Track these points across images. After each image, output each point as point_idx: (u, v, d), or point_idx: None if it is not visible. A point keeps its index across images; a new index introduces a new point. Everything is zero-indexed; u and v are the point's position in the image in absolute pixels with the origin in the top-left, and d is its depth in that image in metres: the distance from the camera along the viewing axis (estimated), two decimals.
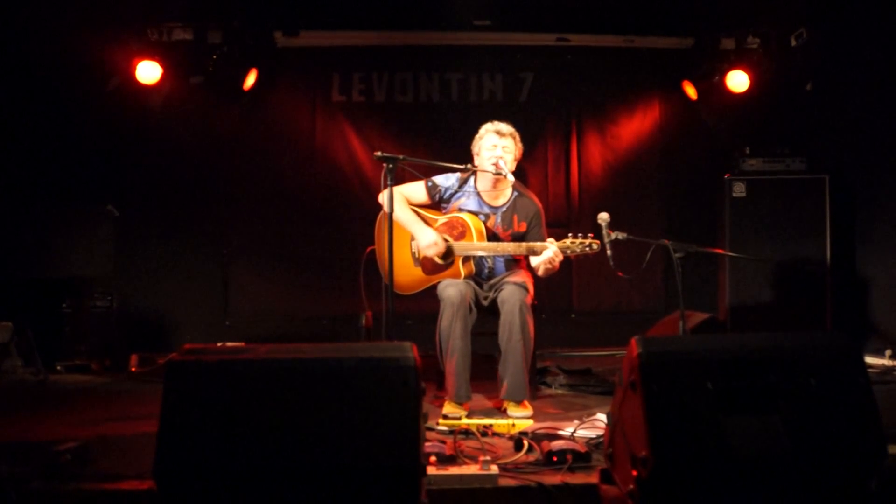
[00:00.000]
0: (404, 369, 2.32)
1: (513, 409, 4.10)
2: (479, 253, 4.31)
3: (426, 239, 4.32)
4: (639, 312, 7.05)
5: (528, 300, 4.22)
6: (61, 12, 5.86)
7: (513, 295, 4.18)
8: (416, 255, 4.47)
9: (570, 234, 4.20)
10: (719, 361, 2.46)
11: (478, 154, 4.47)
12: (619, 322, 6.96)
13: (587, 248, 4.16)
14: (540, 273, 4.26)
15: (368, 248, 4.58)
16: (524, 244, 4.25)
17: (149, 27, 6.35)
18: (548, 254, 4.15)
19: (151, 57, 6.33)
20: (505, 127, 4.44)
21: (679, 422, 2.37)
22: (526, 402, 4.17)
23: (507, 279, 4.35)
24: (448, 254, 4.33)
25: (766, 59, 6.57)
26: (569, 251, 4.16)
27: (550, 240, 4.23)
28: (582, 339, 6.81)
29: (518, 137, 4.48)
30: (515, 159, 4.47)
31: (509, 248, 4.29)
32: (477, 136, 4.50)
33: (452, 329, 4.11)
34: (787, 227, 6.17)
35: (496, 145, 4.38)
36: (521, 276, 4.34)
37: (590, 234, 4.18)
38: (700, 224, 6.81)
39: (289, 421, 2.29)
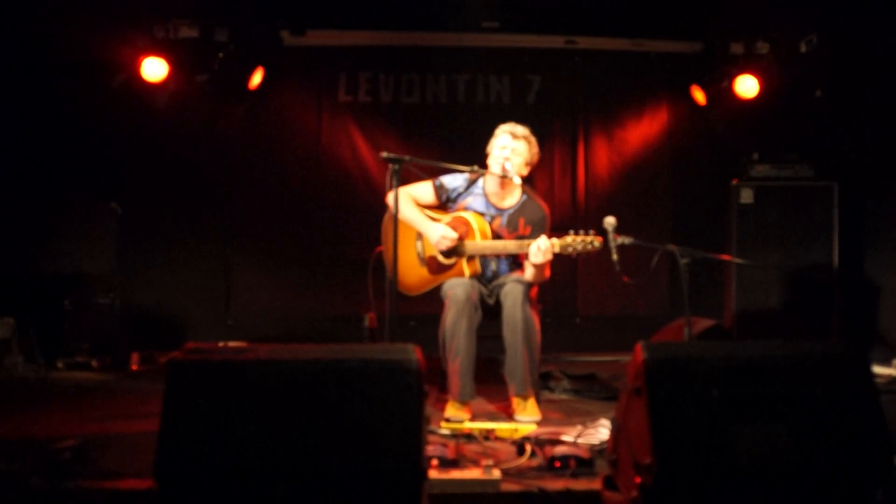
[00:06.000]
0: (407, 372, 2.30)
1: (520, 413, 4.08)
2: (481, 252, 4.28)
3: (436, 233, 4.30)
4: (644, 318, 7.02)
5: (531, 293, 4.19)
6: (68, 8, 5.85)
7: (514, 288, 4.15)
8: (422, 255, 4.46)
9: (571, 231, 4.12)
10: (725, 369, 2.44)
11: (489, 154, 4.44)
12: (624, 327, 6.95)
13: (589, 246, 4.06)
14: (527, 276, 4.23)
15: (377, 249, 4.56)
16: (525, 241, 4.18)
17: (155, 24, 6.33)
18: (531, 248, 4.05)
19: (157, 54, 6.32)
20: (520, 129, 4.40)
21: (683, 429, 2.35)
22: (534, 404, 4.14)
23: (508, 277, 4.34)
24: (453, 252, 4.31)
25: (776, 64, 6.54)
26: (570, 249, 4.07)
27: (543, 236, 4.10)
28: (586, 344, 6.78)
29: (534, 141, 4.43)
30: (528, 163, 4.42)
31: (511, 245, 4.25)
32: (493, 136, 4.46)
33: (457, 327, 4.08)
34: (794, 233, 6.14)
35: (506, 146, 4.35)
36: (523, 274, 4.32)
37: (591, 231, 4.10)
38: (707, 230, 6.78)
39: (290, 422, 2.27)
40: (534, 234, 4.30)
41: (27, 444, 3.38)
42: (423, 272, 4.45)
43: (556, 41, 7.09)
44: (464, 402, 4.10)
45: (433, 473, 2.78)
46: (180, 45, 6.38)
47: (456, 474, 2.84)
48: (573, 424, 3.74)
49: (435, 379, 4.43)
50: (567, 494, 2.77)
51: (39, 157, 6.35)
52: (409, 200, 4.46)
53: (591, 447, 3.26)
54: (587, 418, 3.87)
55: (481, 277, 4.39)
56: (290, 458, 2.25)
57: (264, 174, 7.17)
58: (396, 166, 3.92)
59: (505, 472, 2.92)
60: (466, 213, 4.38)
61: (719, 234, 6.55)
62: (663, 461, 2.29)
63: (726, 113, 6.86)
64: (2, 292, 5.67)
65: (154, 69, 6.34)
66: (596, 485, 2.80)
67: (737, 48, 6.58)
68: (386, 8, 6.72)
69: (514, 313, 4.10)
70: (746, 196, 6.20)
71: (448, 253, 4.32)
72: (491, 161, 4.39)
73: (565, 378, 5.18)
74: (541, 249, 4.03)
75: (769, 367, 2.47)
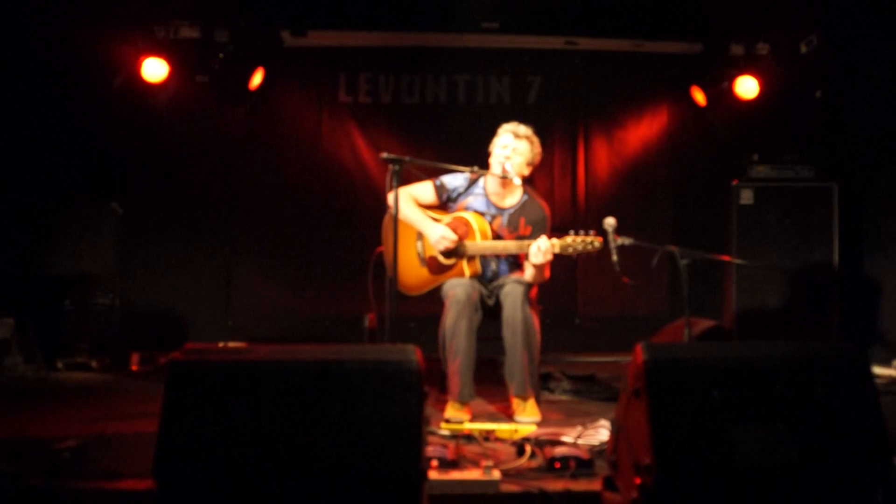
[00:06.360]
0: (407, 373, 2.30)
1: (520, 414, 4.08)
2: (481, 252, 4.27)
3: (436, 233, 4.29)
4: (644, 319, 7.03)
5: (531, 294, 4.19)
6: (68, 8, 5.85)
7: (514, 289, 4.14)
8: (422, 255, 4.46)
9: (571, 231, 4.11)
10: (725, 369, 2.44)
11: (491, 153, 4.43)
12: (624, 328, 6.95)
13: (589, 246, 4.04)
14: (527, 277, 4.22)
15: (377, 249, 4.56)
16: (525, 242, 4.17)
17: (155, 25, 6.34)
18: (531, 248, 4.04)
19: (158, 54, 6.32)
20: (523, 129, 4.40)
21: (683, 430, 2.35)
22: (534, 405, 4.14)
23: (508, 277, 4.33)
24: (454, 252, 4.30)
25: (776, 65, 6.54)
26: (570, 249, 4.06)
27: (543, 237, 4.09)
28: (586, 344, 6.79)
29: (536, 141, 4.42)
30: (530, 164, 4.42)
31: (511, 246, 4.25)
32: (495, 135, 4.45)
33: (457, 327, 4.08)
34: (794, 234, 6.14)
35: (507, 145, 4.35)
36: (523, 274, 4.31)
37: (591, 231, 4.08)
38: (707, 230, 6.78)
39: (290, 423, 2.27)
40: (534, 235, 4.29)
41: (27, 444, 3.38)
42: (424, 272, 4.45)
43: (555, 42, 7.09)
44: (464, 403, 4.09)
45: (433, 474, 2.78)
46: (181, 45, 6.38)
47: (456, 475, 2.83)
48: (573, 425, 3.73)
49: (435, 380, 4.43)
50: (567, 495, 2.76)
51: (40, 157, 6.35)
52: (410, 200, 4.45)
53: (591, 448, 3.25)
54: (587, 419, 3.86)
55: (481, 278, 4.38)
56: (290, 459, 2.24)
57: (264, 174, 7.18)
58: (396, 167, 3.92)
59: (505, 473, 2.91)
60: (467, 213, 4.38)
61: (719, 235, 6.55)
62: (663, 462, 2.28)
63: (726, 114, 6.86)
64: (2, 292, 5.67)
65: (154, 69, 6.34)
66: (596, 486, 2.80)
67: (737, 49, 6.59)
68: (386, 9, 6.72)
69: (514, 314, 4.10)
70: (746, 197, 6.21)
71: (448, 253, 4.31)
72: (492, 160, 4.38)
73: (565, 379, 5.18)
74: (541, 250, 4.03)
75: (769, 367, 2.46)
